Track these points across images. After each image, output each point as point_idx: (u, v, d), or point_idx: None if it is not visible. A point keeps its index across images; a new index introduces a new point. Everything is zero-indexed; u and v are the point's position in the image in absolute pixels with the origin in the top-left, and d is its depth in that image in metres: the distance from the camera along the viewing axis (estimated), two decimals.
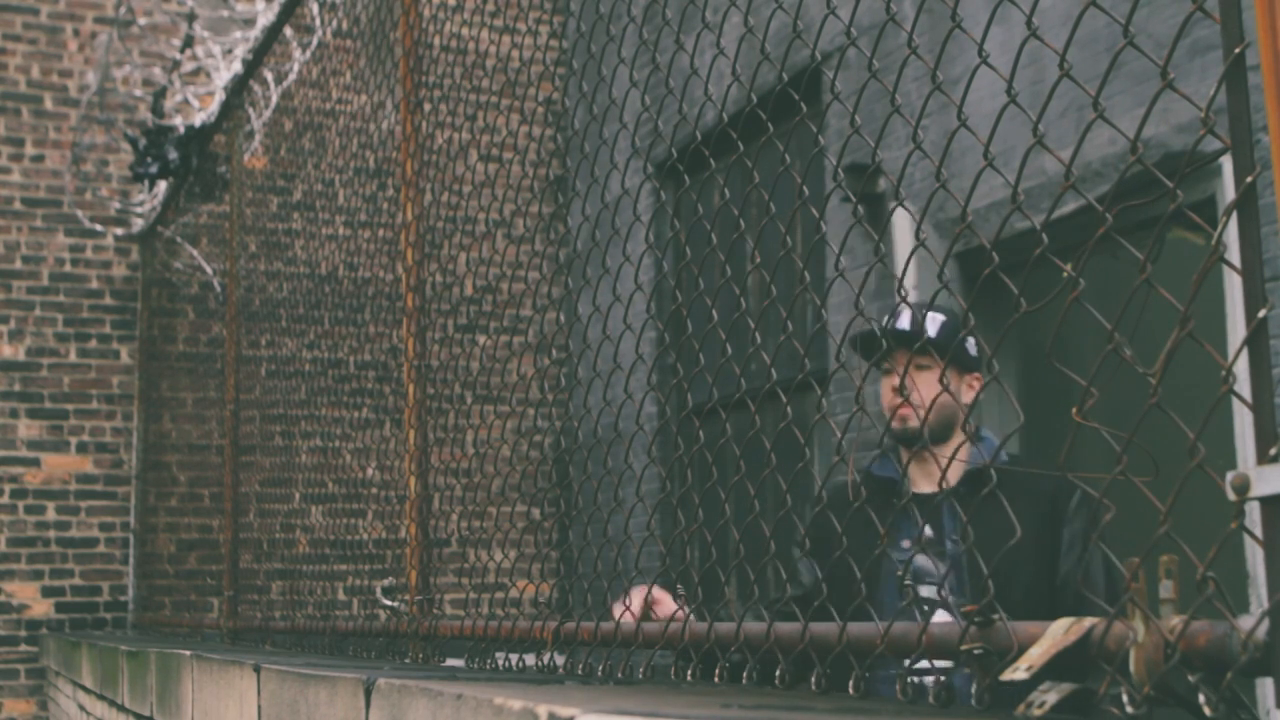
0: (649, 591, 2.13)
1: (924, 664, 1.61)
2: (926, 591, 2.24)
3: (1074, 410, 1.02)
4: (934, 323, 2.41)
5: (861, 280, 1.64)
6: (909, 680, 1.45)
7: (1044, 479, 2.26)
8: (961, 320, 2.37)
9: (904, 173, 1.35)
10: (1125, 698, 0.95)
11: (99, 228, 6.80)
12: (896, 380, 2.32)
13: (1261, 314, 0.89)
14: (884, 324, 2.23)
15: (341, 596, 3.94)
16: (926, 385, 2.34)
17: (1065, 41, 1.10)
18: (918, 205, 4.59)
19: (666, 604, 2.13)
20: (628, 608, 2.08)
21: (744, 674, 1.54)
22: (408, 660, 2.71)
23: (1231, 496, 0.88)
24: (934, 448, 2.29)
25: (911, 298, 2.15)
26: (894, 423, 2.32)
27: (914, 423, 2.33)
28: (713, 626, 1.55)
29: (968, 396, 2.42)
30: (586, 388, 2.09)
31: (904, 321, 2.41)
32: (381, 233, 4.03)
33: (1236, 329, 3.73)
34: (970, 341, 2.40)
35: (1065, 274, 1.04)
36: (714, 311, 1.72)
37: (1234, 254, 0.93)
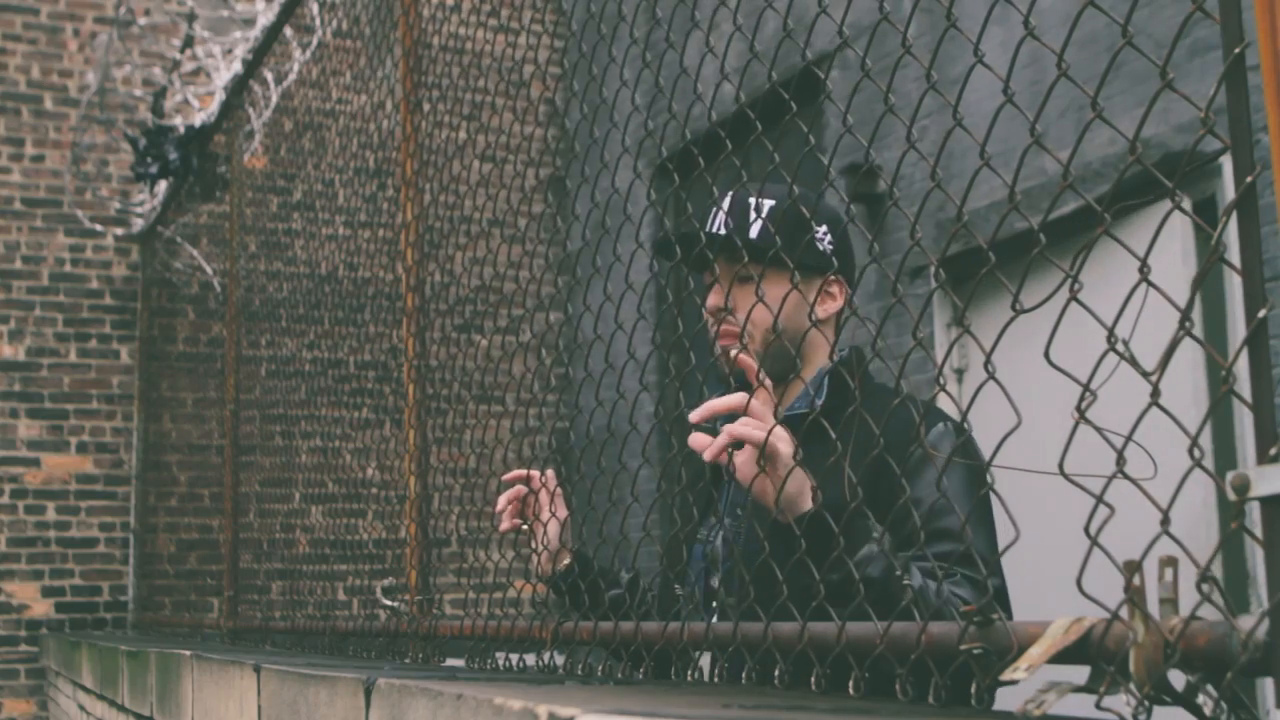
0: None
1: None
2: (717, 580, 1.83)
3: (1073, 411, 1.02)
4: (758, 216, 1.79)
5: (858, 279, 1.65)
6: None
7: (899, 415, 1.46)
8: (815, 207, 1.74)
9: (898, 171, 1.35)
10: (1125, 698, 0.95)
11: (99, 228, 6.80)
12: (714, 298, 1.80)
13: (1261, 314, 0.89)
14: (692, 224, 1.78)
15: (341, 596, 3.94)
16: (758, 304, 1.63)
17: (1063, 41, 1.10)
18: (917, 205, 4.59)
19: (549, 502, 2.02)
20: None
21: (743, 674, 1.54)
22: (408, 660, 2.71)
23: (1231, 496, 0.88)
24: (780, 389, 1.73)
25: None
26: (720, 357, 1.77)
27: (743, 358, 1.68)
28: (710, 626, 1.55)
29: (823, 309, 1.79)
30: (578, 388, 2.09)
31: (720, 224, 1.80)
32: (381, 233, 4.03)
33: (1236, 329, 3.74)
34: (820, 232, 1.80)
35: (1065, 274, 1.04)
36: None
37: (1234, 254, 0.93)
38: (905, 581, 1.32)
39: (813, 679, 1.39)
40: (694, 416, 1.55)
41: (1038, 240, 1.07)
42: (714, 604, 1.84)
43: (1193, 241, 3.90)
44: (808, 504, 1.47)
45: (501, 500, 2.09)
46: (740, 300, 1.75)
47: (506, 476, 2.09)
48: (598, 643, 1.75)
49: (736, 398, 1.54)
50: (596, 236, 2.02)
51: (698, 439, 1.55)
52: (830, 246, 1.81)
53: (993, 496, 1.69)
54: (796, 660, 1.36)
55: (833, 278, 1.81)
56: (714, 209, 1.84)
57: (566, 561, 2.05)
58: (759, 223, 1.79)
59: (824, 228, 1.83)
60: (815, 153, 1.41)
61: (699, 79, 1.75)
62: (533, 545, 2.07)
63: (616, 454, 1.65)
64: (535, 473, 2.08)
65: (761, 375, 1.57)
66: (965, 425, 1.29)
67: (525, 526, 2.08)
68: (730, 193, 1.83)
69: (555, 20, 6.76)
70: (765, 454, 1.48)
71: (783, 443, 1.48)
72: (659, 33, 1.85)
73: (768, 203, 1.81)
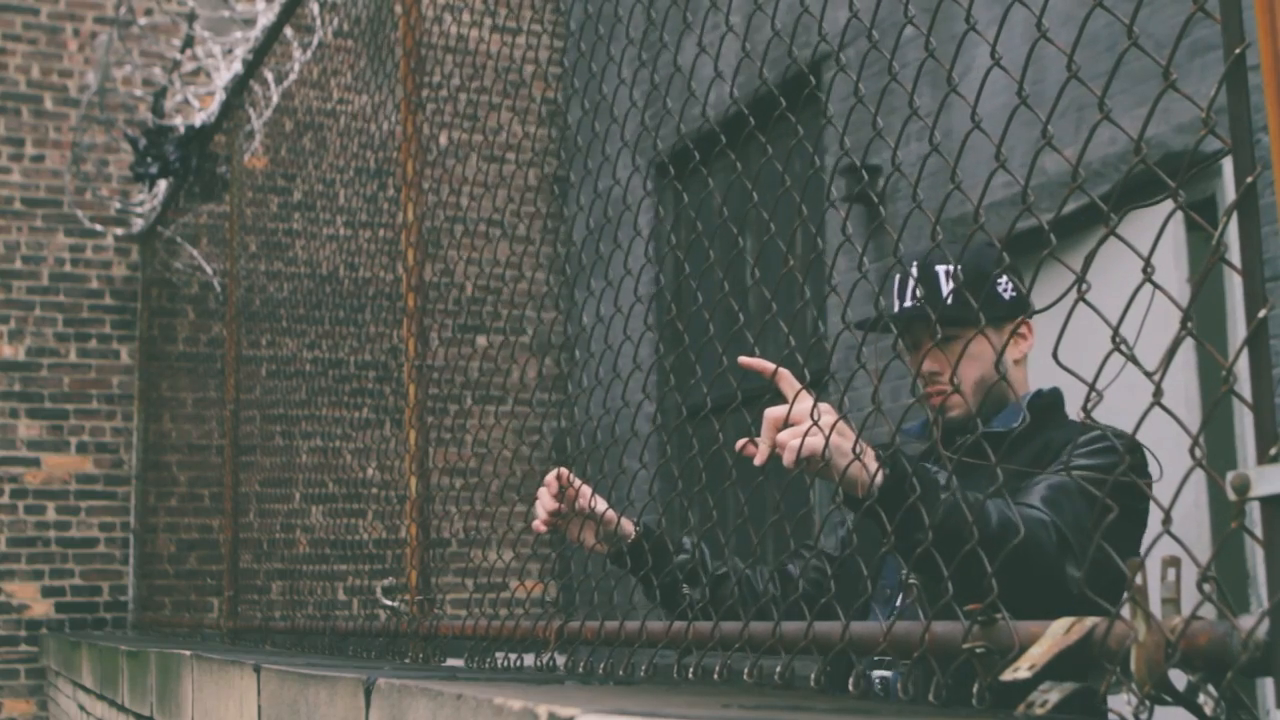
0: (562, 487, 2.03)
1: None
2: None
3: (1079, 410, 1.02)
4: (946, 281, 1.97)
5: (852, 284, 1.65)
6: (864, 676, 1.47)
7: (1058, 438, 1.86)
8: (992, 259, 1.92)
9: (920, 174, 1.35)
10: (1126, 697, 0.95)
11: (99, 228, 6.80)
12: (924, 364, 1.95)
13: (1261, 314, 0.89)
14: (889, 304, 1.93)
15: (341, 596, 3.95)
16: (964, 359, 1.85)
17: (1073, 42, 1.10)
18: (915, 207, 4.58)
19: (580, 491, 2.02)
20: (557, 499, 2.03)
21: (745, 672, 1.55)
22: (408, 660, 2.71)
23: (1231, 496, 0.88)
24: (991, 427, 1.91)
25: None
26: (931, 413, 1.96)
27: (956, 411, 1.93)
28: (717, 626, 1.55)
29: (1017, 350, 1.98)
30: (590, 391, 2.09)
31: (909, 297, 1.99)
32: (382, 233, 4.03)
33: (1236, 329, 3.74)
34: (1002, 282, 1.96)
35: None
36: (710, 316, 1.72)
37: (1234, 254, 0.93)
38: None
39: (812, 678, 1.40)
40: (759, 459, 1.61)
41: (1046, 240, 1.07)
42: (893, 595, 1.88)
43: (1184, 242, 3.90)
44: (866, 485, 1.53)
45: (546, 497, 2.06)
46: (942, 357, 1.91)
47: (549, 484, 2.06)
48: (721, 644, 1.73)
49: (778, 412, 1.60)
50: (598, 240, 2.02)
51: (740, 442, 1.66)
52: (1013, 293, 1.96)
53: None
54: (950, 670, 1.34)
55: (1020, 319, 1.95)
56: (905, 280, 1.99)
57: (633, 534, 2.04)
58: (949, 287, 1.95)
59: (1004, 279, 1.95)
60: (817, 153, 1.42)
61: (700, 79, 1.75)
62: (578, 536, 2.05)
63: (619, 455, 1.66)
64: (564, 470, 2.06)
65: (782, 372, 1.67)
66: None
67: (560, 521, 2.06)
68: (915, 263, 1.98)
69: (555, 21, 6.76)
70: (805, 452, 1.53)
71: (817, 437, 1.53)
72: (661, 33, 1.85)
73: (953, 267, 1.94)
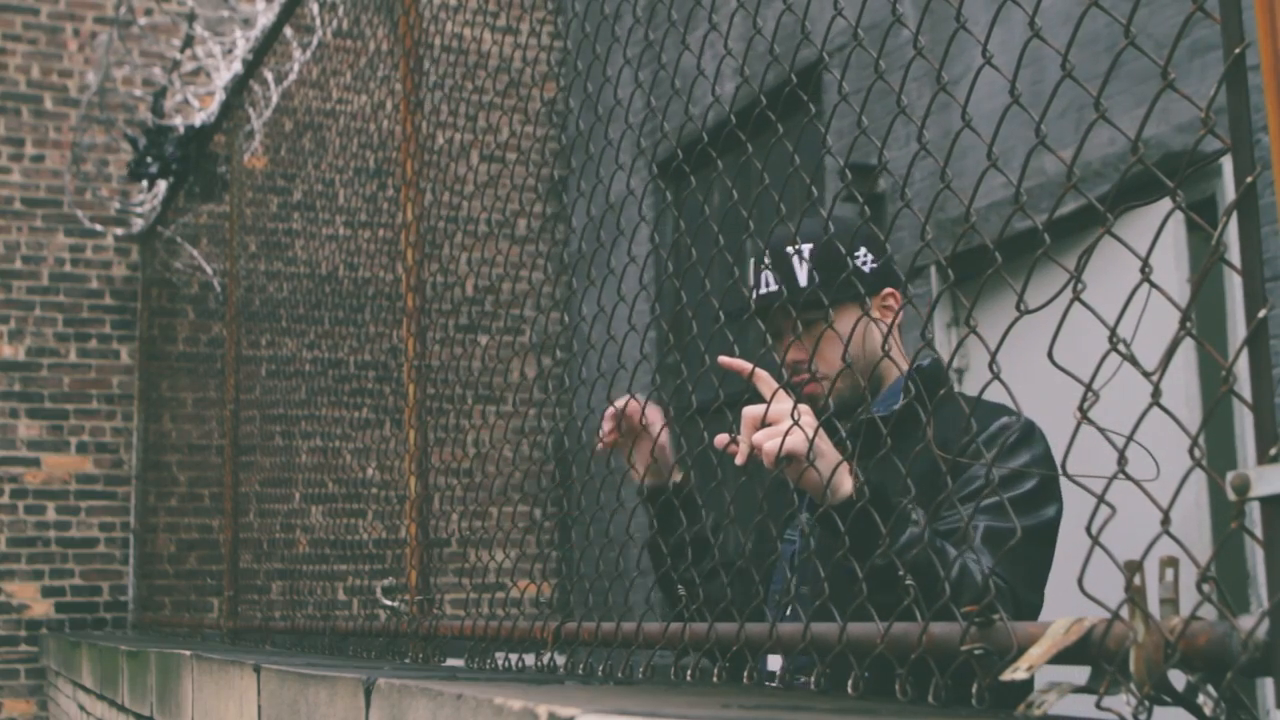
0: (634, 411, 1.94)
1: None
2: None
3: (1075, 409, 1.02)
4: (803, 263, 1.82)
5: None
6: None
7: (961, 418, 1.50)
8: (847, 234, 1.79)
9: (908, 175, 1.35)
10: (1125, 698, 0.95)
11: (99, 228, 6.80)
12: (788, 350, 1.85)
13: (1261, 314, 0.89)
14: (752, 289, 1.84)
15: (341, 596, 3.95)
16: (829, 344, 1.75)
17: (1068, 42, 1.10)
18: (916, 205, 4.58)
19: (652, 418, 1.93)
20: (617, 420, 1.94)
21: (744, 673, 1.55)
22: (408, 660, 2.71)
23: (1231, 496, 0.88)
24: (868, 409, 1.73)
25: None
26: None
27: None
28: (713, 627, 1.55)
29: (888, 322, 1.78)
30: (565, 389, 2.09)
31: (768, 280, 1.85)
32: (381, 233, 4.03)
33: (1236, 329, 3.74)
34: (860, 254, 1.83)
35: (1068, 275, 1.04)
36: (694, 314, 1.72)
37: (1234, 254, 0.93)
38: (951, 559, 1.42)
39: (812, 679, 1.40)
40: (740, 459, 1.60)
41: (1041, 240, 1.07)
42: (785, 601, 1.82)
43: (1185, 242, 3.89)
44: (845, 491, 1.50)
45: (608, 420, 1.97)
46: (811, 342, 1.78)
47: (610, 412, 1.97)
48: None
49: (755, 411, 1.58)
50: (598, 235, 2.02)
51: (721, 438, 1.65)
52: (874, 265, 1.84)
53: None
54: (871, 665, 1.33)
55: (886, 291, 1.85)
56: (759, 268, 1.87)
57: (679, 477, 1.97)
58: (804, 269, 1.81)
59: (862, 250, 1.84)
60: (817, 153, 1.42)
61: (700, 79, 1.75)
62: (630, 459, 1.96)
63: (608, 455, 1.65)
64: (635, 403, 1.96)
65: (758, 372, 1.65)
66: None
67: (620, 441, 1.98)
68: (766, 249, 1.87)
69: (542, 19, 6.76)
70: (784, 452, 1.52)
71: (797, 439, 1.51)
72: (662, 33, 1.85)
73: (806, 247, 1.83)
